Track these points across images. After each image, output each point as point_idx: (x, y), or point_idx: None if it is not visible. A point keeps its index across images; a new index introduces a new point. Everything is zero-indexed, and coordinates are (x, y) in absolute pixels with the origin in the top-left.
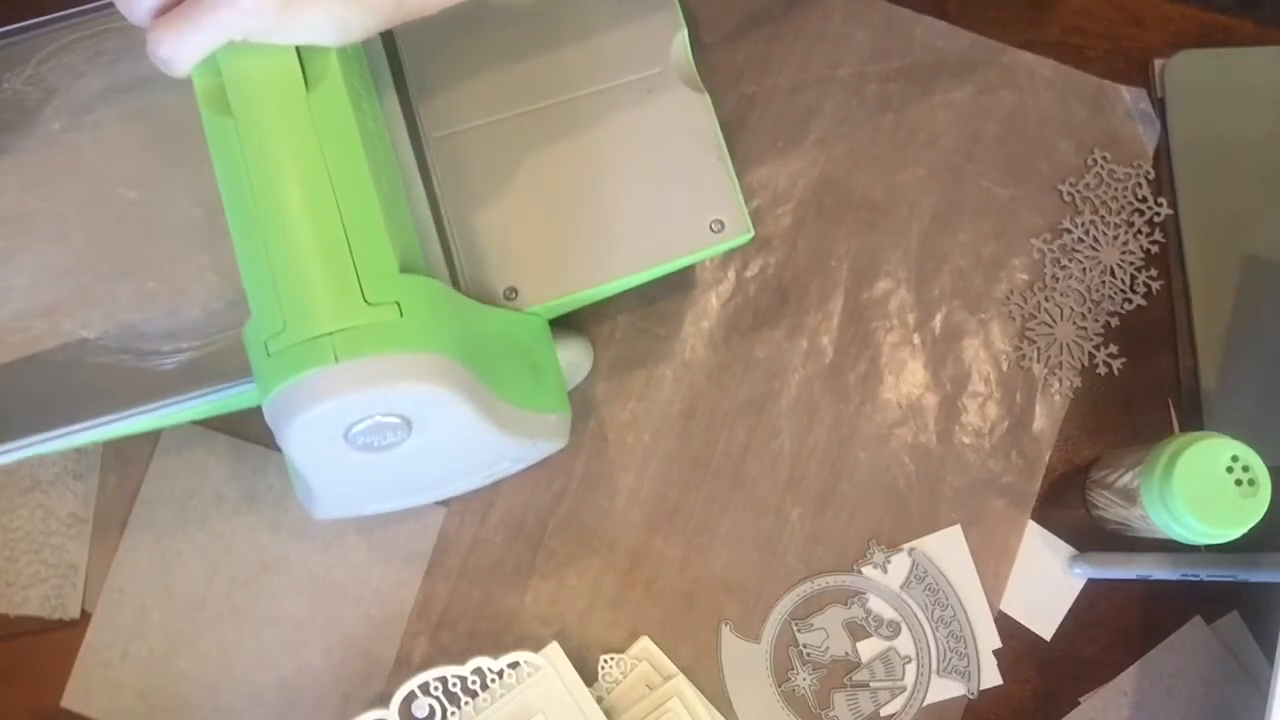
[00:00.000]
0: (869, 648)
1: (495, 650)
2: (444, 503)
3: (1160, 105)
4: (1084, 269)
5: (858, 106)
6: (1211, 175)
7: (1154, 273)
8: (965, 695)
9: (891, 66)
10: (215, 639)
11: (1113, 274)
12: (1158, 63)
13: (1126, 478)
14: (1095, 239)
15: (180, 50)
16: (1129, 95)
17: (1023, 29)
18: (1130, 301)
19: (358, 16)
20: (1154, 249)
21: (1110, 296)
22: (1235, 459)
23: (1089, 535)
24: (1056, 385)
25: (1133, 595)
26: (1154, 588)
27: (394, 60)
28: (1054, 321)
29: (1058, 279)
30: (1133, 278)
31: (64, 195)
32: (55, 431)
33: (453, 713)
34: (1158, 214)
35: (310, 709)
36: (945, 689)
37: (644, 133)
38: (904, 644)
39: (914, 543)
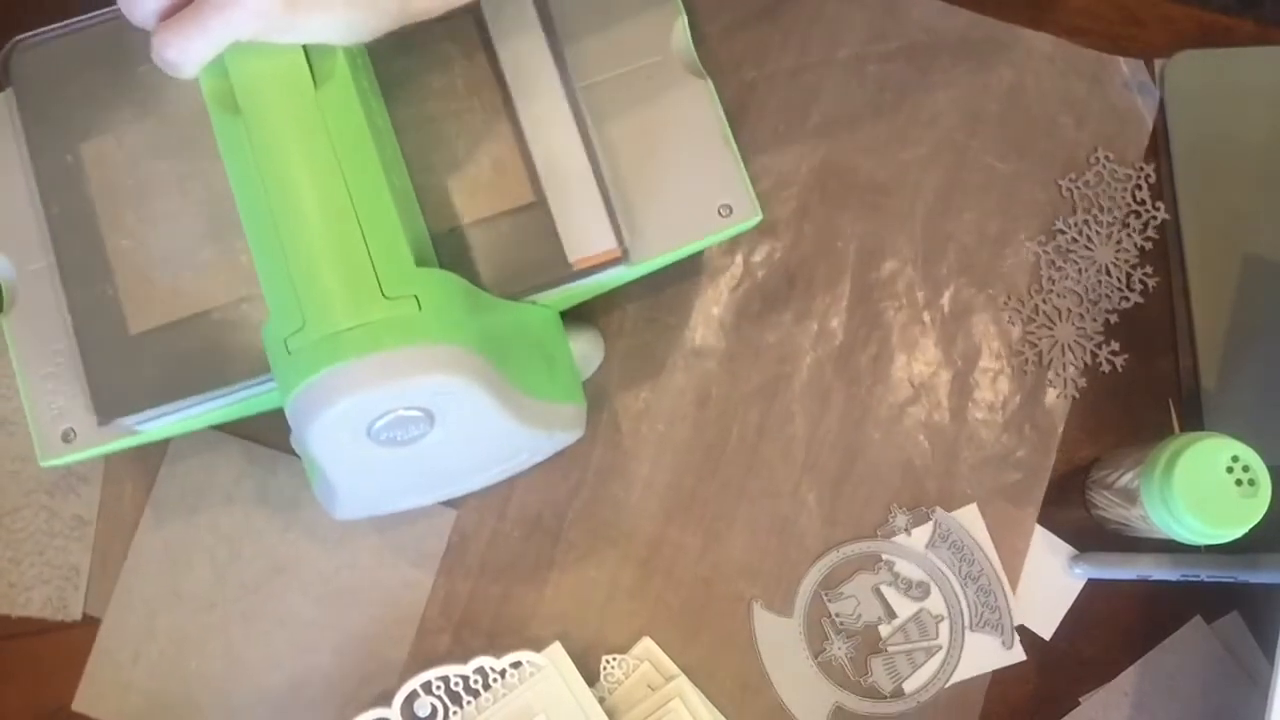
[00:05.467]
0: (902, 610)
1: (500, 650)
2: (454, 503)
3: (1160, 105)
4: (1080, 269)
5: (858, 88)
6: (1211, 175)
7: (1149, 269)
8: (988, 673)
9: (890, 47)
10: (224, 641)
11: (1108, 272)
12: (1158, 63)
13: (1127, 478)
14: (1089, 238)
15: (187, 53)
16: (1127, 67)
17: (1021, 28)
18: (1128, 299)
19: (364, 18)
20: (1148, 245)
21: (1107, 295)
22: (1235, 459)
23: (1089, 535)
24: (1061, 387)
25: (1133, 595)
26: (1154, 588)
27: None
28: (1053, 323)
29: (1054, 281)
30: (1128, 275)
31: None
32: (224, 389)
33: (454, 712)
34: (1154, 217)
35: (319, 710)
36: (981, 644)
37: (647, 120)
38: (935, 603)
39: (935, 506)
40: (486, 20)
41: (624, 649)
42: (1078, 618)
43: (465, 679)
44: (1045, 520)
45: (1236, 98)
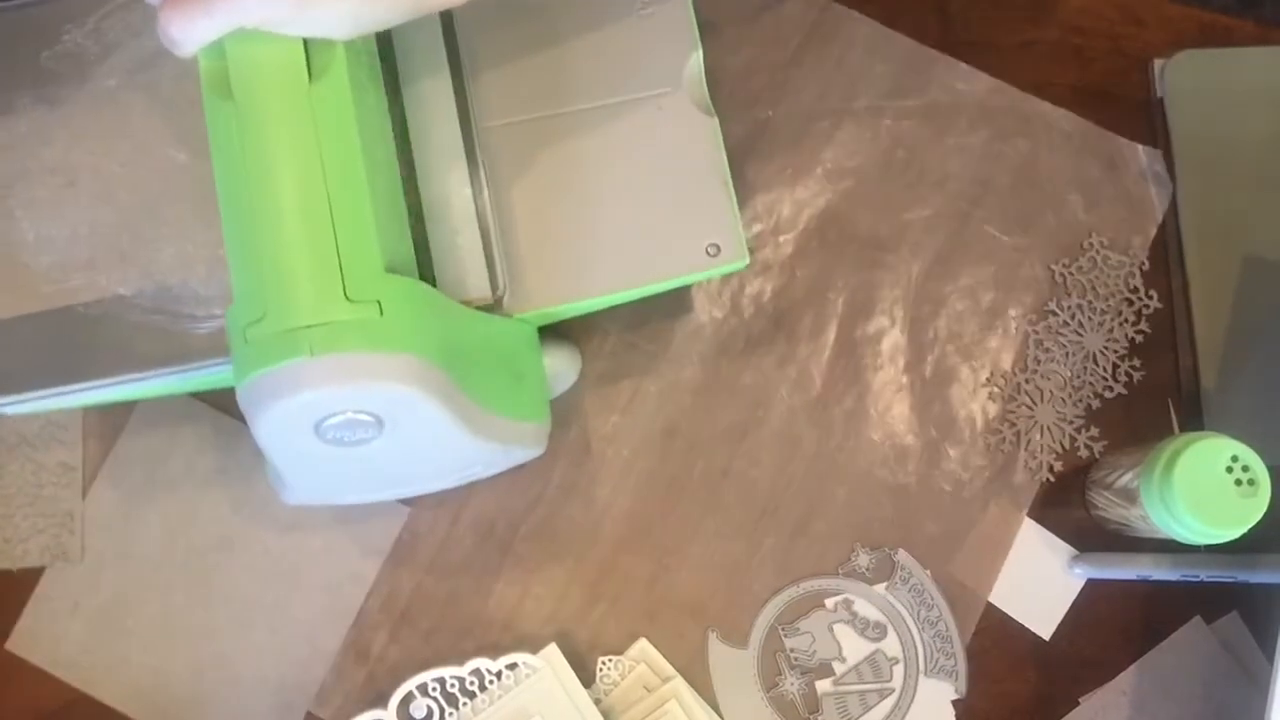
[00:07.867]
0: (856, 650)
1: (434, 651)
2: (411, 501)
3: (1160, 105)
4: (1067, 353)
5: (870, 141)
6: (1211, 175)
7: (1137, 362)
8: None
9: (908, 104)
10: (165, 604)
11: (1095, 360)
12: (1158, 63)
13: (1126, 478)
14: (1080, 324)
15: (189, 33)
16: (1145, 155)
17: (1023, 28)
18: (1111, 390)
19: (373, 11)
20: (1139, 338)
21: (1091, 383)
22: (1235, 459)
23: (1089, 535)
24: (1035, 470)
25: (1133, 595)
26: (1154, 588)
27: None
28: (1034, 404)
29: (1040, 361)
30: (1115, 366)
31: (112, 152)
32: (82, 384)
33: (450, 713)
34: (1147, 306)
35: (247, 687)
36: (933, 689)
37: (650, 150)
38: (891, 646)
39: (899, 548)
40: (396, 59)
41: (619, 651)
42: (1077, 618)
43: (461, 680)
44: (1045, 520)
45: (1236, 98)
